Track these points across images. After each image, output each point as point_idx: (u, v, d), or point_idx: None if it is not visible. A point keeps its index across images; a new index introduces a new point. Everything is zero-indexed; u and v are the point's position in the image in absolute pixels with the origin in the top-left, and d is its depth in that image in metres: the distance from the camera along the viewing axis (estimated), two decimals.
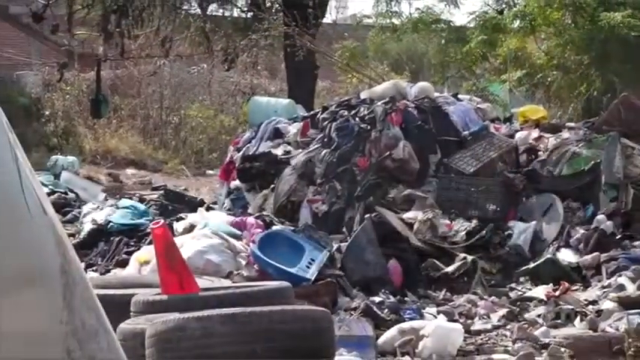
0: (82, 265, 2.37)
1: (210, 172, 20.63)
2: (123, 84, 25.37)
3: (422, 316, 8.88)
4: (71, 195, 14.91)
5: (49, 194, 12.54)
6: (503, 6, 21.64)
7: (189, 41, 25.81)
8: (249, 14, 23.27)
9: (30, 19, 23.91)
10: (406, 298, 9.65)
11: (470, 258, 10.36)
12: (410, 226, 10.94)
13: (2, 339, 2.04)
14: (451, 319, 8.87)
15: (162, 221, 7.37)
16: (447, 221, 11.10)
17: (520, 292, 10.06)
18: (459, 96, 14.24)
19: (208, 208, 12.54)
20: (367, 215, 10.77)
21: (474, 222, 11.06)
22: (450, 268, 10.34)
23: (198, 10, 25.34)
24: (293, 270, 9.18)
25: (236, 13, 25.35)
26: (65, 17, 26.10)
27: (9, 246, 2.07)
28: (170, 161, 22.05)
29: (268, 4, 23.27)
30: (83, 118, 23.62)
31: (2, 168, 2.11)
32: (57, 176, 16.25)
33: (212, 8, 25.29)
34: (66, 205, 13.67)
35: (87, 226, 11.58)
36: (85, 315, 2.20)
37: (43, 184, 12.26)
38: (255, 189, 12.31)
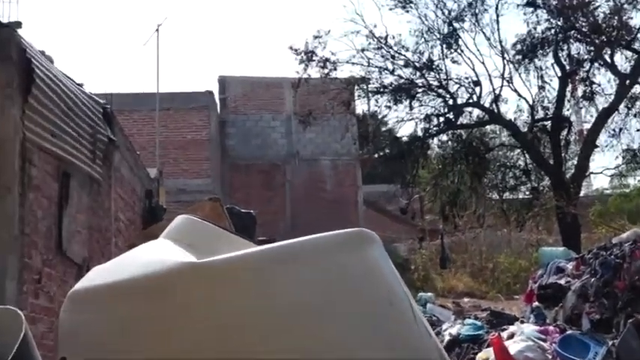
0: None
1: (516, 297, 19.80)
2: (456, 246, 25.36)
3: None
4: (434, 318, 14.79)
5: None
6: None
7: (493, 216, 25.58)
8: (531, 195, 22.82)
9: (398, 212, 24.88)
10: None
11: None
12: None
13: None
14: None
15: (496, 333, 7.11)
16: None
17: None
18: None
19: (521, 322, 11.98)
20: (629, 320, 9.84)
21: None
22: None
23: (498, 197, 25.14)
24: None
25: (522, 195, 24.91)
26: (419, 208, 26.82)
27: None
28: (490, 291, 21.47)
29: (541, 188, 22.77)
30: (434, 268, 23.76)
31: (403, 310, 2.02)
32: (423, 306, 16.23)
33: (506, 195, 24.98)
34: (432, 325, 13.52)
35: (446, 338, 11.33)
36: None
37: None
38: (550, 307, 11.62)
